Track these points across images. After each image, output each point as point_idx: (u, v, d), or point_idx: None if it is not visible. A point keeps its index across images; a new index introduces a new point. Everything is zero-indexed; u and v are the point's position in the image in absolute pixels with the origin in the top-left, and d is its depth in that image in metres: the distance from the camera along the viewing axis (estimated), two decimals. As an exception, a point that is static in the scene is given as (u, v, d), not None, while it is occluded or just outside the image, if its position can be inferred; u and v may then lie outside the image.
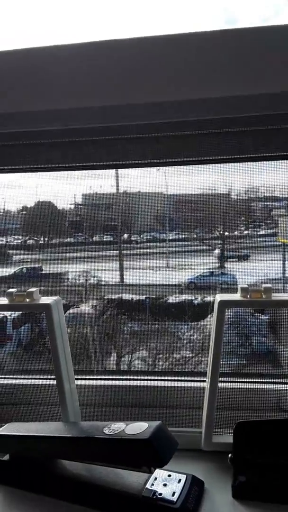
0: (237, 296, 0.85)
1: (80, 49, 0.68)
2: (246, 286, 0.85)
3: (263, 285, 0.84)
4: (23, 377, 1.03)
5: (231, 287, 1.83)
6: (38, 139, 0.81)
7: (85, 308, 1.81)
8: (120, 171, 1.66)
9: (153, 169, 1.50)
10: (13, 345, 1.63)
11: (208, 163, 0.91)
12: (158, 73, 0.66)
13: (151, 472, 0.76)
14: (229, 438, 0.83)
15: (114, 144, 0.82)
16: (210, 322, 1.78)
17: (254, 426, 0.78)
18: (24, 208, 2.03)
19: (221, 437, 0.87)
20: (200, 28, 0.66)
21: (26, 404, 0.99)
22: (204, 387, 0.89)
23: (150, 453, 0.71)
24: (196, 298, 1.88)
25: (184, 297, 1.89)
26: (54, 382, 0.90)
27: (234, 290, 0.87)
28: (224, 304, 0.84)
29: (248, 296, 0.84)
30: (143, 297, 1.92)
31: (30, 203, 1.98)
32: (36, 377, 1.02)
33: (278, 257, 1.99)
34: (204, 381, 0.90)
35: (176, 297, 1.91)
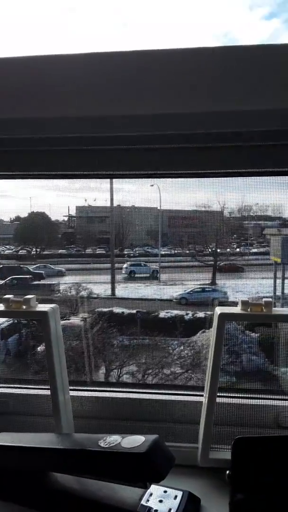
0: (237, 309, 0.84)
1: (82, 59, 0.68)
2: (246, 299, 0.84)
3: (264, 299, 0.84)
4: (15, 386, 1.00)
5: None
6: (35, 146, 0.80)
7: (76, 320, 1.79)
8: (115, 185, 1.66)
9: (147, 184, 1.50)
10: (3, 354, 1.60)
11: (201, 177, 0.91)
12: (155, 86, 0.67)
13: (146, 488, 0.74)
14: (226, 455, 0.81)
15: (108, 154, 0.81)
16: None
17: (254, 443, 0.77)
18: (17, 218, 2.02)
19: (218, 453, 0.85)
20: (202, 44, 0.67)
21: (17, 414, 0.96)
22: (201, 402, 0.87)
23: (147, 468, 0.69)
24: (187, 314, 1.88)
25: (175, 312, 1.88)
26: (47, 392, 0.87)
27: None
28: (224, 317, 0.83)
29: (249, 309, 0.83)
30: (133, 311, 1.91)
31: (24, 214, 1.97)
32: (29, 386, 1.00)
33: (270, 275, 2.00)
34: (202, 395, 0.88)
35: (168, 312, 1.90)
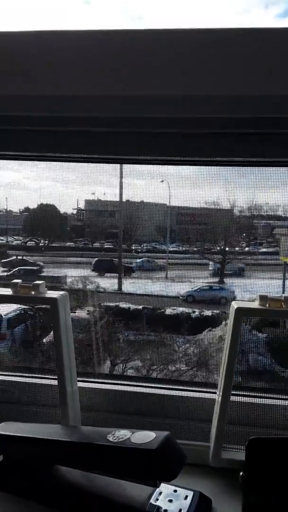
0: (255, 305, 0.81)
1: (89, 36, 0.65)
2: (265, 294, 0.81)
3: (283, 295, 0.80)
4: (22, 374, 0.97)
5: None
6: (32, 125, 0.77)
7: (82, 313, 1.77)
8: (124, 180, 1.63)
9: (157, 180, 1.47)
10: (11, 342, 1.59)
11: (214, 165, 0.88)
12: (164, 67, 0.63)
13: (156, 486, 0.71)
14: (238, 455, 0.78)
15: (112, 137, 0.78)
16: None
17: (269, 444, 0.74)
18: (27, 209, 2.00)
19: (231, 453, 0.82)
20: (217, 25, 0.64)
21: (23, 404, 0.93)
22: (213, 399, 0.84)
23: (158, 465, 0.66)
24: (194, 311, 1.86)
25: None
26: (54, 382, 0.85)
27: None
28: (241, 312, 0.80)
29: (267, 305, 0.80)
30: (140, 307, 1.89)
31: (33, 205, 1.95)
32: (36, 375, 0.97)
33: (278, 275, 1.97)
34: (214, 392, 0.85)
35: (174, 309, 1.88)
